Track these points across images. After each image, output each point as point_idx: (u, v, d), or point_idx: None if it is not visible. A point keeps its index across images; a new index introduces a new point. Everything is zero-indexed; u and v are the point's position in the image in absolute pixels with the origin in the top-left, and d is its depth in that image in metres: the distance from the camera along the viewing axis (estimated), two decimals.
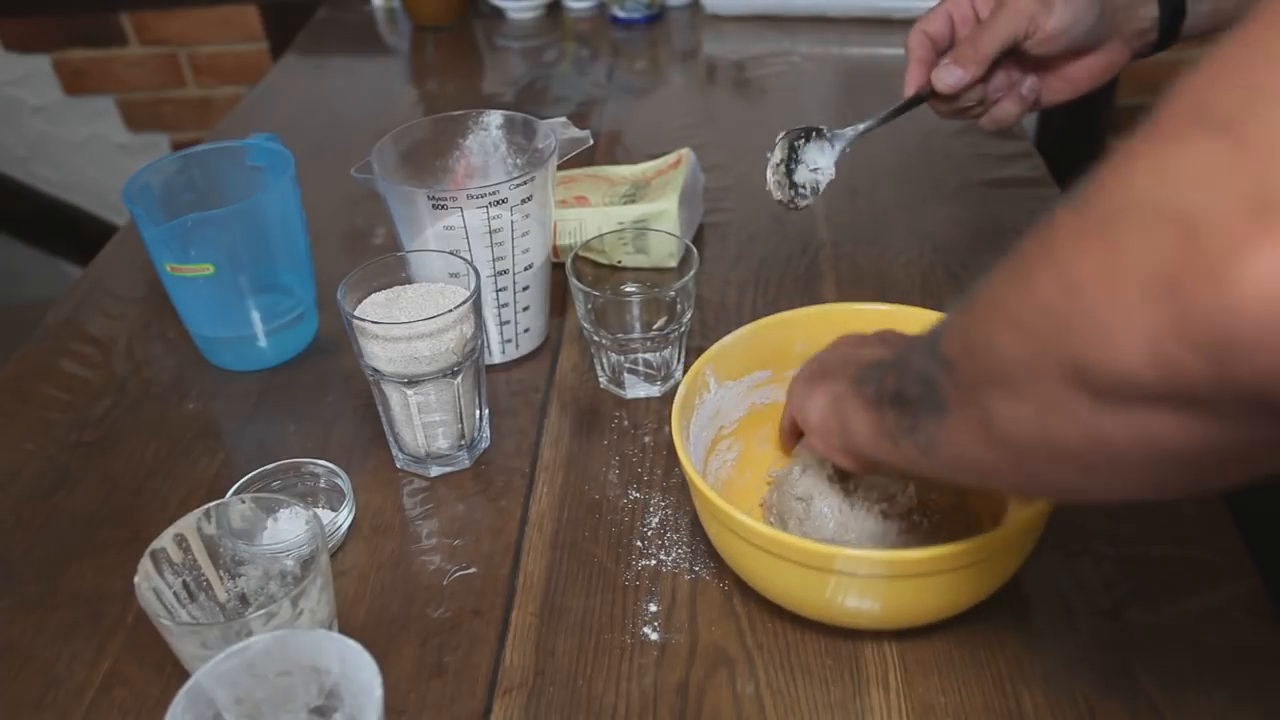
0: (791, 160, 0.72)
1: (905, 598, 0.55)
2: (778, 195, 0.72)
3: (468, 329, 0.68)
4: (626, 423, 0.76)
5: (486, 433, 0.74)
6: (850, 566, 0.52)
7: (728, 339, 0.67)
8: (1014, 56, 0.68)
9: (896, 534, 0.60)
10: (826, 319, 0.67)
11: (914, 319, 0.65)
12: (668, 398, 0.77)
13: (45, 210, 2.02)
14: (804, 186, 0.72)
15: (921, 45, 0.70)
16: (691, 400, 0.64)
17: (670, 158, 0.97)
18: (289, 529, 0.59)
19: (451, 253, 0.72)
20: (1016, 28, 0.65)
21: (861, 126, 0.72)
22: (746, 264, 0.92)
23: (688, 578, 0.64)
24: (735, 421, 0.69)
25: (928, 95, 0.70)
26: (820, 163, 0.72)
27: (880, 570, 0.53)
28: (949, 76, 0.67)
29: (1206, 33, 0.69)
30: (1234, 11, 0.68)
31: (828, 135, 0.72)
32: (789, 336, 0.68)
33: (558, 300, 0.87)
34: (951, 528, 0.61)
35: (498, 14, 1.48)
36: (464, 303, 0.67)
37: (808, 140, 0.72)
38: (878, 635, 0.59)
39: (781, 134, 0.72)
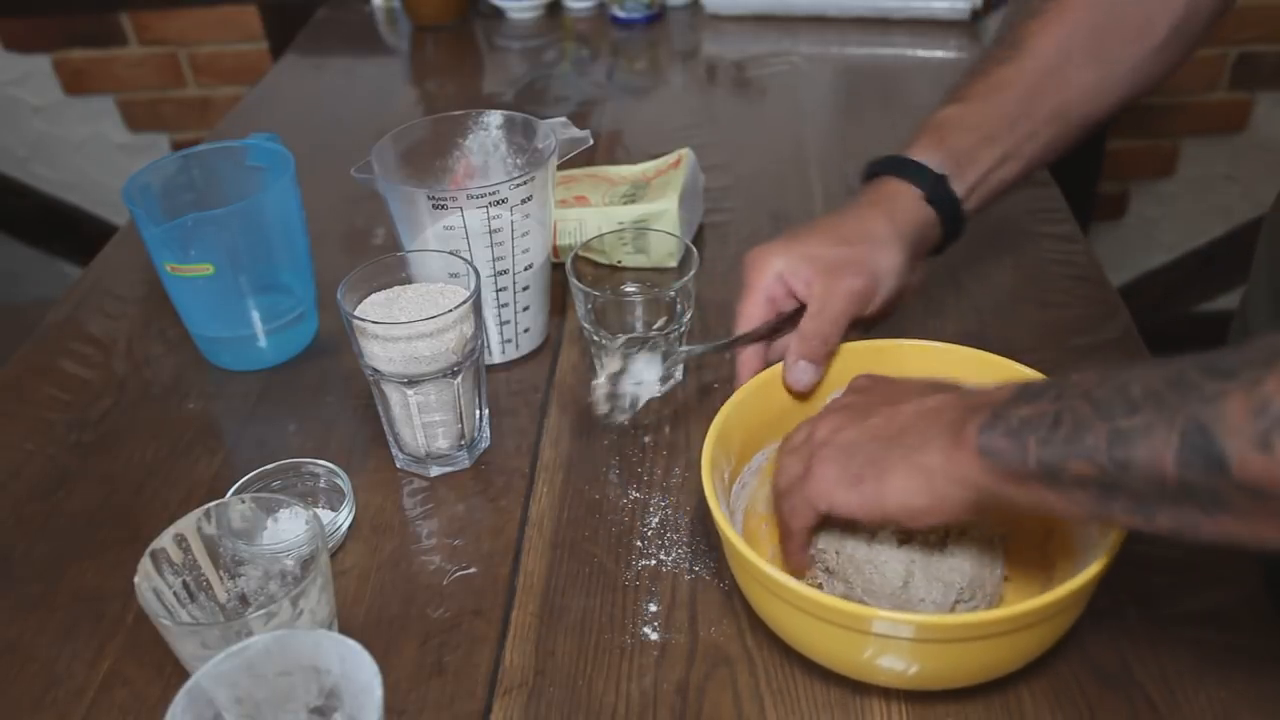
0: (621, 371, 0.68)
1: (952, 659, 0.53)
2: (602, 409, 0.67)
3: (468, 329, 0.68)
4: (627, 423, 0.76)
5: (486, 433, 0.74)
6: (893, 630, 0.50)
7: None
8: None
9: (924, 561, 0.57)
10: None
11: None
12: (668, 398, 0.77)
13: (45, 210, 2.02)
14: (623, 398, 0.67)
15: (750, 362, 0.68)
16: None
17: (670, 158, 0.97)
18: (289, 529, 0.59)
19: (451, 253, 0.72)
20: (854, 310, 0.65)
21: (699, 348, 0.69)
22: None
23: (688, 578, 0.64)
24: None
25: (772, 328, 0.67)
26: (645, 376, 0.68)
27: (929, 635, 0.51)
28: (805, 375, 0.65)
29: (979, 210, 0.71)
30: (1000, 183, 0.70)
31: (662, 348, 0.68)
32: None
33: (558, 300, 0.87)
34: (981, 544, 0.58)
35: (498, 14, 1.48)
36: (464, 303, 0.67)
37: (639, 349, 0.68)
38: None
39: (619, 342, 0.68)
